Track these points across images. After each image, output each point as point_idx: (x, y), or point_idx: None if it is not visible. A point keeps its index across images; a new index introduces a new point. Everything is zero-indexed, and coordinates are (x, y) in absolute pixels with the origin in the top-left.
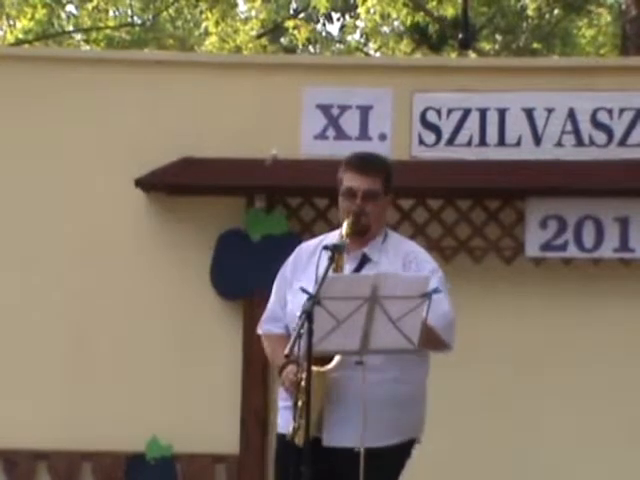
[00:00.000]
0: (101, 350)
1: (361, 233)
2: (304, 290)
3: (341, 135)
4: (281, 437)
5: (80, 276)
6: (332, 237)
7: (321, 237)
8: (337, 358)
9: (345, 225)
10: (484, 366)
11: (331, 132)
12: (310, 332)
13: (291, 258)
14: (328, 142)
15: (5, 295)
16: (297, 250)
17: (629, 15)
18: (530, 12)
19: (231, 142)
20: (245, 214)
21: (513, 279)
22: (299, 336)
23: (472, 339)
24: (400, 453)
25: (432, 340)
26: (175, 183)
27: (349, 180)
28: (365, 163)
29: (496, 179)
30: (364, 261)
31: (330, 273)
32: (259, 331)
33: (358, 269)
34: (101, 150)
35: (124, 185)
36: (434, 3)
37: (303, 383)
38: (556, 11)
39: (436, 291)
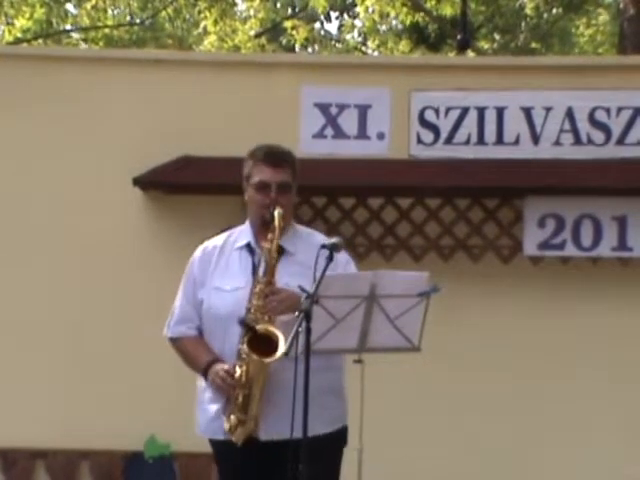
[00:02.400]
0: (99, 349)
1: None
2: (302, 289)
3: (339, 134)
4: (221, 444)
5: (78, 274)
6: (241, 233)
7: (225, 234)
8: (280, 349)
9: (276, 219)
10: (482, 365)
11: (329, 131)
12: (308, 331)
13: (196, 259)
14: (326, 141)
15: (4, 294)
16: (201, 250)
17: (627, 14)
18: (528, 11)
19: (229, 141)
20: (243, 213)
21: (511, 278)
22: (297, 335)
23: (470, 338)
24: (339, 440)
25: None
26: (173, 182)
27: (261, 173)
28: (275, 156)
29: (494, 178)
30: (280, 253)
31: (328, 272)
32: (168, 334)
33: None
34: (99, 148)
35: (122, 183)
36: (432, 2)
37: (244, 378)
38: (554, 10)
39: (435, 290)
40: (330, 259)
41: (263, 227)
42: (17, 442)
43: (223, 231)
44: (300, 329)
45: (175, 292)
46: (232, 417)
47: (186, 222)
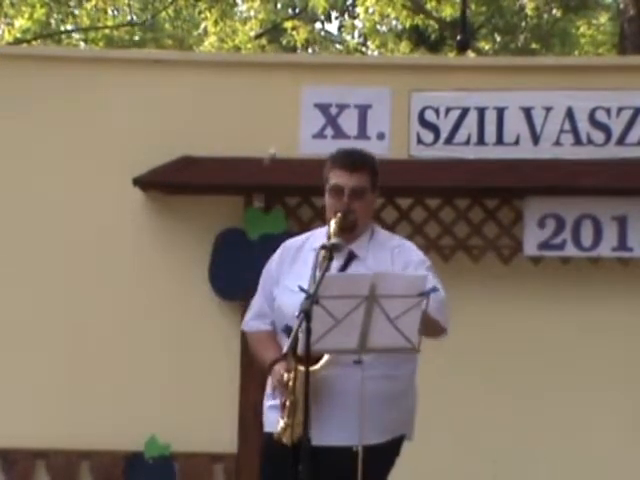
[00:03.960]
0: (100, 349)
1: (348, 230)
2: (302, 289)
3: (339, 134)
4: (268, 436)
5: (78, 274)
6: (319, 235)
7: (307, 234)
8: (326, 357)
9: (333, 223)
10: (482, 365)
11: (329, 131)
12: (308, 331)
13: (276, 255)
14: (326, 141)
15: (3, 294)
16: (282, 247)
17: (627, 14)
18: (529, 12)
19: (229, 141)
20: (243, 213)
21: (511, 278)
22: (297, 335)
23: (470, 338)
24: (391, 450)
25: (431, 327)
26: (173, 182)
27: (336, 177)
28: (352, 160)
29: (494, 178)
30: (351, 258)
31: (328, 272)
32: (244, 328)
33: (345, 266)
34: (99, 149)
35: (122, 184)
36: (433, 3)
37: (291, 383)
38: (554, 11)
39: (434, 290)
40: (330, 259)
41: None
42: (17, 442)
43: (222, 233)
44: (300, 329)
45: (175, 291)
46: (281, 421)
47: (186, 222)
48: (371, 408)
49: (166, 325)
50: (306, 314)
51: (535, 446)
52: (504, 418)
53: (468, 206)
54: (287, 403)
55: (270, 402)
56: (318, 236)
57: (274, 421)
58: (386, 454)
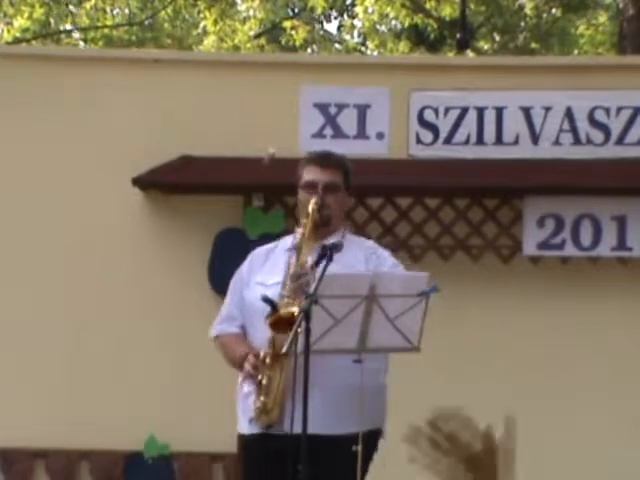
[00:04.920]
0: (99, 349)
1: (323, 225)
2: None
3: (339, 134)
4: (242, 438)
5: (78, 274)
6: (288, 240)
7: (275, 242)
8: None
9: (310, 213)
10: (482, 365)
11: (329, 131)
12: (308, 331)
13: (246, 262)
14: (326, 141)
15: (3, 294)
16: (251, 255)
17: (626, 14)
18: (528, 11)
19: (229, 141)
20: (243, 213)
21: (510, 278)
22: (296, 334)
23: (470, 338)
24: (367, 441)
25: None
26: (173, 181)
27: (309, 174)
28: (325, 158)
29: (494, 178)
30: (324, 253)
31: (328, 272)
32: (212, 333)
33: (318, 261)
34: (99, 148)
35: (122, 183)
36: (432, 3)
37: (268, 360)
38: (554, 10)
39: (434, 290)
40: (330, 259)
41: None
42: (17, 442)
43: (221, 233)
44: (299, 329)
45: (175, 291)
46: (257, 402)
47: (186, 222)
48: (341, 397)
49: (166, 324)
50: (306, 314)
51: (535, 446)
52: (503, 417)
53: (467, 206)
54: (264, 380)
55: (243, 392)
56: (290, 238)
57: (248, 411)
58: (363, 444)
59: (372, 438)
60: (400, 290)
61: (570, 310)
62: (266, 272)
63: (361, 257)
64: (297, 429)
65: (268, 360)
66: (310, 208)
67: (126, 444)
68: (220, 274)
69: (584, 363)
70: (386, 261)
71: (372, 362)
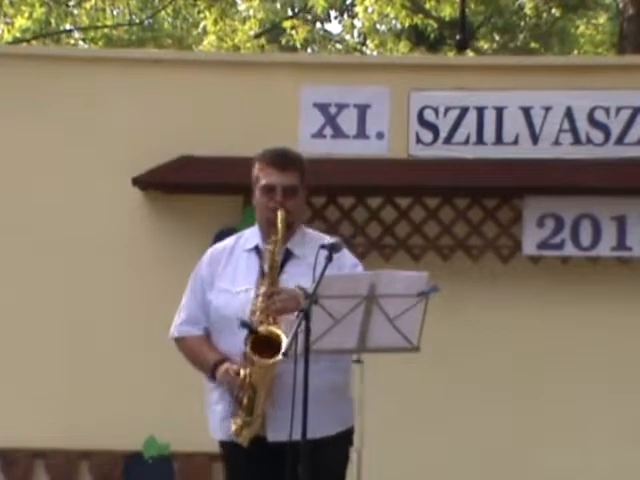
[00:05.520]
0: (99, 349)
1: (286, 231)
2: (301, 288)
3: (339, 134)
4: (226, 444)
5: (78, 274)
6: (250, 235)
7: (234, 237)
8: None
9: (279, 221)
10: (482, 365)
11: (329, 131)
12: (307, 331)
13: (205, 260)
14: (326, 141)
15: (3, 294)
16: (210, 252)
17: (626, 14)
18: (528, 11)
19: (228, 141)
20: (242, 213)
21: (510, 277)
22: (296, 335)
23: (470, 338)
24: (343, 441)
25: None
26: (172, 181)
27: (267, 176)
28: (282, 159)
29: (493, 178)
30: (287, 257)
31: (327, 272)
32: (174, 334)
33: (282, 265)
34: (99, 148)
35: (121, 183)
36: (432, 3)
37: (247, 379)
38: (554, 10)
39: (433, 290)
40: (330, 259)
41: (270, 230)
42: (17, 442)
43: (219, 233)
44: (299, 329)
45: (175, 292)
46: (237, 420)
47: (186, 222)
48: (319, 400)
49: (165, 325)
50: (305, 314)
51: (535, 445)
52: (503, 417)
53: (467, 206)
54: (244, 400)
55: (215, 406)
56: (249, 237)
57: (223, 424)
58: (339, 445)
59: (341, 439)
60: (400, 290)
61: (570, 310)
62: (229, 277)
63: (321, 259)
64: (279, 437)
65: (248, 380)
66: (279, 220)
67: (126, 444)
68: None
69: (584, 363)
70: (346, 261)
71: (320, 362)
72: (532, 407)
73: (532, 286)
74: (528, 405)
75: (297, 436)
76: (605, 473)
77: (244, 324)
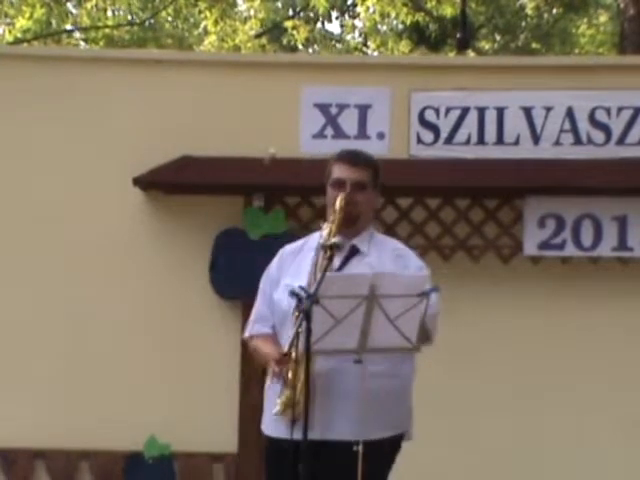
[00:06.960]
0: (99, 349)
1: (351, 222)
2: (302, 288)
3: (339, 134)
4: (269, 440)
5: (78, 274)
6: (316, 237)
7: (305, 238)
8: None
9: (337, 210)
10: (482, 365)
11: (329, 131)
12: (308, 331)
13: (275, 260)
14: (326, 141)
15: (3, 294)
16: (280, 252)
17: (627, 14)
18: (529, 11)
19: (229, 141)
20: (243, 213)
21: (511, 278)
22: (297, 335)
23: (470, 338)
24: (391, 447)
25: (422, 334)
26: (173, 182)
27: (338, 171)
28: (354, 156)
29: (494, 178)
30: (353, 252)
31: (328, 272)
32: (246, 334)
33: (346, 260)
34: (99, 148)
35: (122, 183)
36: (433, 3)
37: (293, 354)
38: (555, 10)
39: (434, 290)
40: (330, 259)
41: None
42: (17, 442)
43: (223, 232)
44: (300, 329)
45: (175, 291)
46: (282, 396)
47: (186, 222)
48: (373, 404)
49: (166, 325)
50: (306, 314)
51: (535, 445)
52: (504, 417)
53: (468, 206)
54: (289, 375)
55: (270, 403)
56: (316, 236)
57: (275, 422)
58: (387, 450)
59: (390, 443)
60: (400, 290)
61: (570, 310)
62: (293, 273)
63: (386, 259)
64: (326, 436)
65: (294, 354)
66: (338, 205)
67: (126, 444)
68: (220, 274)
69: (584, 363)
70: (410, 263)
71: (376, 365)
72: (532, 407)
73: (533, 286)
74: (529, 404)
75: (349, 436)
76: (606, 473)
77: (292, 293)
